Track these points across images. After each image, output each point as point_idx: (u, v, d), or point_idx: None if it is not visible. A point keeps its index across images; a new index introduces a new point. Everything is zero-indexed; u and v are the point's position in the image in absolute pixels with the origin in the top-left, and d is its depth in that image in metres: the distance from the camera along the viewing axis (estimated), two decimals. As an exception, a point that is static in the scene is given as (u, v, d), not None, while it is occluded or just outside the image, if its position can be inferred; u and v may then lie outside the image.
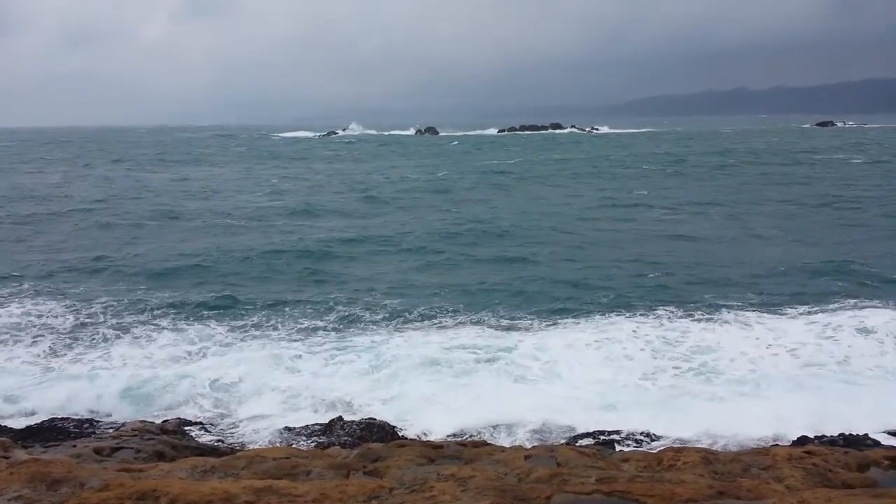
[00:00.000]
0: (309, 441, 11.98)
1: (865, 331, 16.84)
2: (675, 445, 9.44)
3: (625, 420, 12.76)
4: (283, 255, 26.84)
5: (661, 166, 64.93)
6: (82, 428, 12.34)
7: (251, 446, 11.59)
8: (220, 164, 79.07)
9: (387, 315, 19.23)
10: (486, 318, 18.88)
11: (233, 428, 12.97)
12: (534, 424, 12.70)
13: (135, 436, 10.20)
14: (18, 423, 12.58)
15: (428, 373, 15.02)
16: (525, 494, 5.10)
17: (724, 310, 19.00)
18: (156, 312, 19.57)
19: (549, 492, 5.14)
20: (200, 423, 13.00)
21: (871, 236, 29.50)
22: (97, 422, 12.83)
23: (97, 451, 9.05)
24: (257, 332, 17.99)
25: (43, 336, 17.71)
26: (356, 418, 12.81)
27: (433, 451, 6.98)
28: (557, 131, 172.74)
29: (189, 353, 16.56)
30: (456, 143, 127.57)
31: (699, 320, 18.20)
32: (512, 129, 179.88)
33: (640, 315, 18.77)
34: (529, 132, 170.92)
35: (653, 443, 11.72)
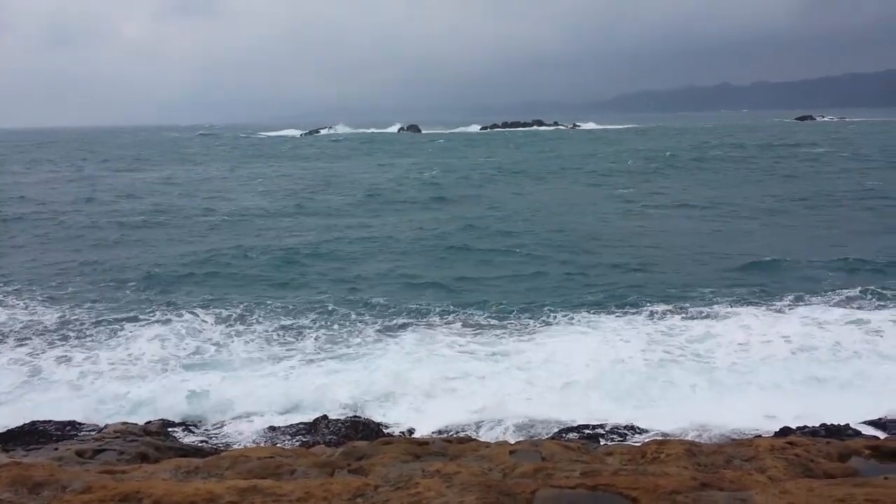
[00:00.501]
0: (294, 440, 11.95)
1: (860, 322, 17.03)
2: (658, 438, 9.49)
3: (611, 414, 12.84)
4: (275, 254, 26.68)
5: (651, 162, 65.15)
6: (64, 430, 12.22)
7: (235, 446, 11.54)
8: (206, 163, 78.79)
9: (375, 313, 19.21)
10: (475, 315, 18.88)
11: (217, 428, 12.91)
12: (519, 419, 12.75)
13: (117, 437, 10.13)
14: (-1, 427, 12.46)
15: (415, 369, 15.01)
16: (510, 489, 5.11)
17: (715, 304, 19.06)
18: (142, 313, 19.40)
19: (533, 486, 5.15)
20: (184, 423, 12.92)
21: (870, 230, 29.61)
22: (79, 424, 12.71)
23: (79, 454, 8.97)
24: (245, 331, 17.87)
25: (29, 339, 17.54)
26: (341, 416, 12.78)
27: (418, 448, 6.96)
28: (542, 128, 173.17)
29: (177, 355, 16.41)
30: (442, 140, 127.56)
31: (692, 316, 18.25)
32: (494, 125, 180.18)
33: (630, 309, 18.85)
34: (512, 129, 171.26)
35: (637, 436, 11.78)
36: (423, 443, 7.27)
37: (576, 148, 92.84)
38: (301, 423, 12.60)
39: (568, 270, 23.87)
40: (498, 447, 7.00)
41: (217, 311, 19.54)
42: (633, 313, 18.54)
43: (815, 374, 14.33)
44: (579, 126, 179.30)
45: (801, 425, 11.42)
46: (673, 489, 4.91)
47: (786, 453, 6.16)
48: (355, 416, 12.73)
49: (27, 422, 12.54)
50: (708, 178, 51.21)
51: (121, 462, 8.68)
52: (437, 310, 19.38)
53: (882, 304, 18.59)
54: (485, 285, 22.18)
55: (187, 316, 19.12)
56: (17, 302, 20.59)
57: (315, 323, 18.51)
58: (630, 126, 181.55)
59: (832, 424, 11.24)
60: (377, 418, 12.89)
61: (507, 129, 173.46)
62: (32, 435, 11.78)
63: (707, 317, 18.10)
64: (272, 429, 12.50)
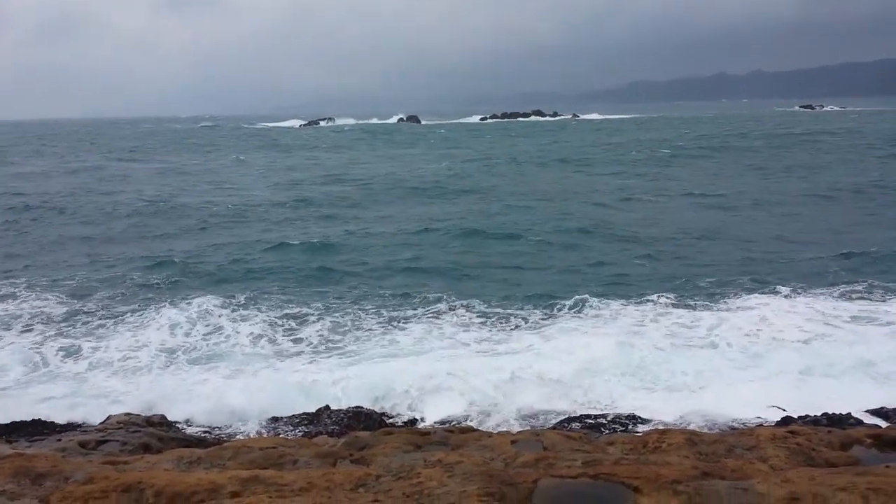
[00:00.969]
0: (296, 430, 11.95)
1: (864, 312, 17.03)
2: (659, 427, 9.50)
3: (613, 404, 12.85)
4: (288, 248, 26.42)
5: (653, 152, 65.05)
6: (68, 421, 12.23)
7: (238, 437, 11.56)
8: (213, 153, 78.61)
9: (382, 304, 19.20)
10: (481, 304, 18.86)
11: (219, 419, 12.90)
12: (520, 409, 12.75)
13: (120, 428, 10.15)
14: (3, 418, 12.47)
15: (419, 359, 15.03)
16: (512, 479, 5.12)
17: (722, 295, 19.04)
18: (150, 304, 19.40)
19: (535, 476, 5.16)
20: (187, 417, 12.91)
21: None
22: (82, 418, 12.72)
23: (82, 445, 8.99)
24: (251, 322, 17.80)
25: (34, 329, 17.56)
26: (343, 407, 12.79)
27: (420, 438, 6.98)
28: (542, 119, 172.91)
29: (182, 347, 16.40)
30: (443, 131, 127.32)
31: (698, 306, 18.22)
32: (494, 116, 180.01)
33: (635, 300, 18.84)
34: (512, 120, 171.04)
35: (639, 426, 11.79)
36: (424, 433, 7.29)
37: (584, 138, 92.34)
38: (304, 413, 12.60)
39: (580, 259, 23.93)
40: (500, 437, 7.02)
41: (224, 301, 19.44)
42: (638, 303, 18.52)
43: (817, 362, 14.32)
44: (580, 117, 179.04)
45: (803, 414, 11.42)
46: (674, 478, 4.91)
47: (787, 442, 6.18)
48: (357, 407, 12.73)
49: (31, 418, 12.57)
50: (723, 168, 50.86)
51: (123, 453, 8.70)
52: (444, 300, 19.34)
53: (890, 296, 18.50)
54: (493, 275, 22.20)
55: (194, 307, 19.01)
56: (26, 293, 20.59)
57: (321, 313, 18.44)
58: (633, 116, 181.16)
59: (833, 413, 11.24)
60: (379, 409, 12.89)
61: (507, 119, 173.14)
62: (36, 426, 11.79)
63: (713, 307, 18.05)
64: (274, 419, 12.50)
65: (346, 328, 17.47)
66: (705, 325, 16.67)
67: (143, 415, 11.76)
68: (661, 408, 12.57)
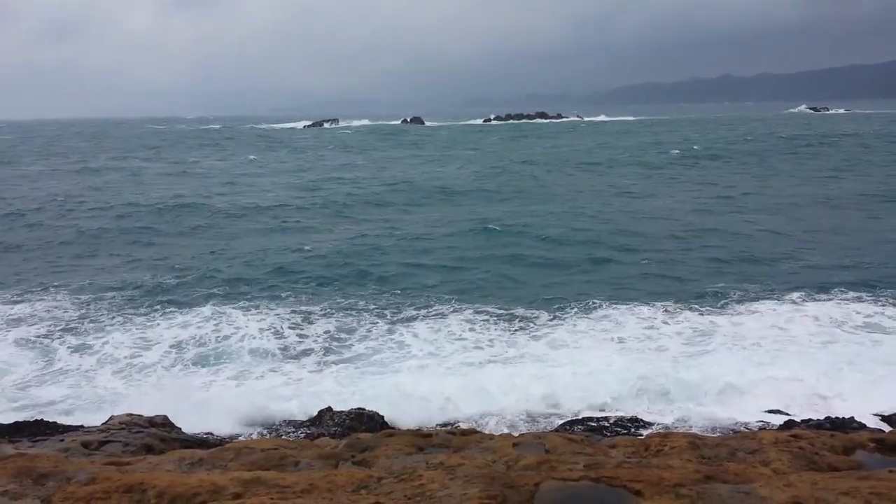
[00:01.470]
0: (298, 432, 11.95)
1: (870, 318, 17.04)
2: (662, 431, 9.49)
3: (615, 407, 12.83)
4: (301, 251, 26.26)
5: (677, 153, 65.05)
6: (70, 422, 12.24)
7: (240, 438, 11.55)
8: (227, 154, 78.62)
9: (389, 305, 19.23)
10: (486, 308, 18.84)
11: (222, 420, 12.89)
12: (523, 412, 12.74)
13: (122, 429, 10.14)
14: (8, 418, 12.49)
15: (423, 362, 15.04)
16: (513, 481, 5.11)
17: (729, 300, 19.02)
18: (160, 306, 19.47)
19: (537, 478, 5.15)
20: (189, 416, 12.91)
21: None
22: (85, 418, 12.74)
23: (85, 445, 8.99)
24: (261, 325, 17.78)
25: (43, 329, 17.60)
26: (345, 408, 12.77)
27: (422, 440, 6.98)
28: (547, 121, 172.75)
29: (189, 348, 16.42)
30: (447, 132, 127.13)
31: (705, 311, 18.18)
32: (498, 118, 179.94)
33: (641, 303, 18.82)
34: (517, 122, 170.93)
35: (641, 429, 11.77)
36: (426, 435, 7.28)
37: (595, 140, 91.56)
38: (305, 415, 12.59)
39: (590, 262, 24.02)
40: (502, 439, 7.01)
41: (234, 304, 19.46)
42: (646, 306, 18.50)
43: (824, 366, 14.27)
44: (584, 119, 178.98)
45: (806, 418, 11.39)
46: (677, 482, 4.91)
47: (790, 446, 6.16)
48: (359, 408, 12.70)
49: (36, 413, 12.61)
50: (742, 170, 50.77)
51: (126, 453, 8.70)
52: (451, 302, 19.39)
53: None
54: (499, 276, 22.20)
55: (203, 310, 19.02)
56: (37, 293, 20.67)
57: (327, 314, 18.52)
58: (640, 118, 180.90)
59: (837, 417, 11.21)
60: (382, 410, 12.87)
61: (512, 121, 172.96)
62: (39, 426, 11.80)
63: (723, 312, 18.03)
64: (276, 421, 12.50)
65: (350, 327, 17.54)
66: (713, 330, 16.68)
67: (146, 415, 11.77)
68: (664, 411, 12.56)
